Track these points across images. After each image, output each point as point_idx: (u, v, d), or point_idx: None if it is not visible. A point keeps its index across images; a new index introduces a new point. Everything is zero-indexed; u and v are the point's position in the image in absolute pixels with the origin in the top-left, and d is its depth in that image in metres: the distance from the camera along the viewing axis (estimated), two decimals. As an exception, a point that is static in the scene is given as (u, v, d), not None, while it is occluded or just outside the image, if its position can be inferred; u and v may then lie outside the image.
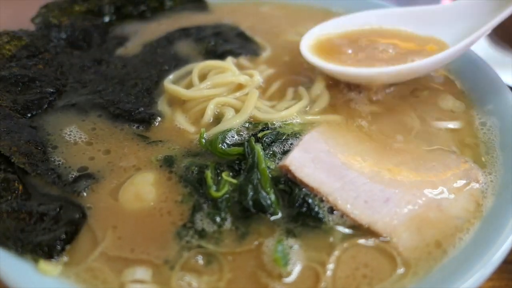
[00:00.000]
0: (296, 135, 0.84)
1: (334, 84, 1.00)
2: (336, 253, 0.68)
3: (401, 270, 0.66)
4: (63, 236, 0.68)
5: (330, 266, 0.66)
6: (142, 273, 0.66)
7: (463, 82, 1.03)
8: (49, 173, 0.78)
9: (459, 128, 0.91)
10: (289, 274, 0.65)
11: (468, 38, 0.91)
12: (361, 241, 0.69)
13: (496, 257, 0.65)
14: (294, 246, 0.68)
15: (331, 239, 0.69)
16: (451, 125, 0.91)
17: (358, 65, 0.94)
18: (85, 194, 0.76)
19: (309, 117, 0.91)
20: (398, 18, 1.06)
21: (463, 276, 0.63)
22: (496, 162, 0.83)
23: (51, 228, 0.70)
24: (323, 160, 0.78)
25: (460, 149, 0.86)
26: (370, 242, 0.69)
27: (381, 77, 0.94)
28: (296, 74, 1.05)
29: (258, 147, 0.77)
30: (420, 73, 0.98)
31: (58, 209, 0.72)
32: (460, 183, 0.78)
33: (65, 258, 0.67)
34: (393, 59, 0.95)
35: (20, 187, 0.75)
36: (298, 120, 0.89)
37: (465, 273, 0.64)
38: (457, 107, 0.96)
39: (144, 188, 0.76)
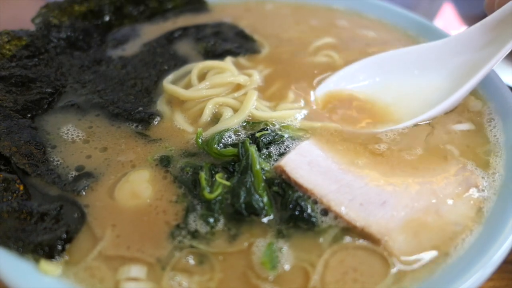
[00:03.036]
0: (295, 139, 0.83)
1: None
2: (328, 255, 0.67)
3: (395, 272, 0.65)
4: (64, 235, 0.69)
5: (321, 268, 0.66)
6: (137, 271, 0.66)
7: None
8: (49, 173, 0.79)
9: (464, 127, 0.90)
10: (278, 275, 0.65)
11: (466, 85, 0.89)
12: (354, 243, 0.68)
13: (496, 257, 0.65)
14: (284, 248, 0.68)
15: (323, 241, 0.68)
16: (456, 125, 0.90)
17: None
18: (84, 193, 0.76)
19: (308, 123, 0.89)
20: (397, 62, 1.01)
21: (463, 276, 0.63)
22: (498, 162, 0.82)
23: (51, 228, 0.70)
24: (319, 163, 0.77)
25: (465, 150, 0.85)
26: (363, 244, 0.68)
27: None
28: (296, 73, 1.05)
29: (252, 149, 0.77)
30: None
31: (58, 209, 0.73)
32: (460, 188, 0.76)
33: (66, 258, 0.68)
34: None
35: (21, 187, 0.76)
36: (297, 124, 0.88)
37: (465, 273, 0.63)
38: (463, 109, 0.94)
39: (140, 185, 0.76)
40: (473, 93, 0.96)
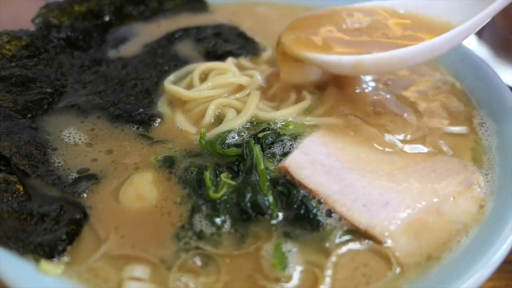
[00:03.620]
0: (297, 137, 0.84)
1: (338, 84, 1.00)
2: (334, 256, 0.67)
3: (398, 271, 0.66)
4: (64, 236, 0.68)
5: (328, 268, 0.66)
6: (140, 271, 0.66)
7: (464, 82, 1.03)
8: (49, 175, 0.78)
9: (460, 129, 0.91)
10: (287, 277, 0.65)
11: (477, 16, 0.78)
12: (358, 244, 0.69)
13: (496, 257, 0.65)
14: (293, 249, 0.68)
15: (328, 242, 0.69)
16: (453, 126, 0.91)
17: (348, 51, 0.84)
18: (85, 195, 0.75)
19: (310, 119, 0.90)
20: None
21: (463, 276, 0.63)
22: (495, 163, 0.82)
23: (52, 229, 0.70)
24: (322, 162, 0.77)
25: (461, 151, 0.86)
26: (367, 245, 0.69)
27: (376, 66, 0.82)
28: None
29: (257, 148, 0.77)
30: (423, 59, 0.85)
31: (59, 210, 0.72)
32: (461, 187, 0.77)
33: (66, 258, 0.67)
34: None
35: (21, 188, 0.75)
36: (299, 121, 0.89)
37: (465, 273, 0.64)
38: (461, 109, 0.95)
39: (144, 188, 0.76)
40: (459, 95, 0.97)
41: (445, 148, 0.86)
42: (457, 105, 0.97)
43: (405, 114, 0.94)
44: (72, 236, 0.69)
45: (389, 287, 0.64)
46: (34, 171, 0.78)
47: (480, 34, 1.63)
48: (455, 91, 1.01)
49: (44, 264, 0.66)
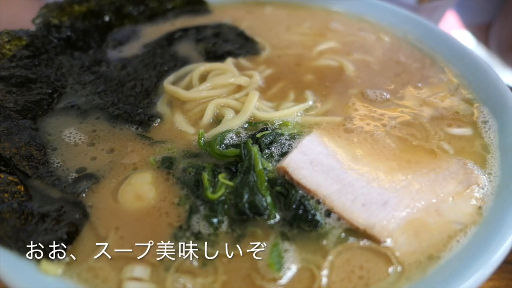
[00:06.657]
0: (295, 136, 0.84)
1: (338, 85, 1.00)
2: (332, 256, 0.67)
3: (398, 271, 0.66)
4: (65, 236, 0.68)
5: (326, 269, 0.66)
6: (140, 271, 0.66)
7: (464, 82, 1.03)
8: (49, 175, 0.79)
9: (461, 128, 0.90)
10: (284, 277, 0.65)
11: None
12: (358, 243, 0.69)
13: (496, 257, 0.65)
14: (290, 249, 0.68)
15: (327, 242, 0.69)
16: (453, 126, 0.91)
17: None
18: (84, 195, 0.76)
19: (309, 118, 0.90)
20: None
21: (463, 276, 0.63)
22: (496, 162, 0.82)
23: (52, 229, 0.70)
24: (321, 162, 0.78)
25: (461, 151, 0.85)
26: (367, 244, 0.69)
27: None
28: (296, 74, 1.05)
29: (255, 149, 0.77)
30: None
31: (59, 210, 0.73)
32: (460, 187, 0.77)
33: (67, 258, 0.67)
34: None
35: (22, 189, 0.76)
36: (298, 121, 0.89)
37: (465, 273, 0.63)
38: (461, 109, 0.95)
39: (143, 188, 0.76)
40: (460, 95, 0.98)
41: (446, 148, 0.86)
42: (459, 106, 0.97)
43: (406, 114, 0.94)
44: (73, 236, 0.70)
45: (392, 286, 0.64)
46: (34, 172, 0.78)
47: (486, 36, 1.62)
48: (456, 92, 1.01)
49: (45, 264, 0.66)
